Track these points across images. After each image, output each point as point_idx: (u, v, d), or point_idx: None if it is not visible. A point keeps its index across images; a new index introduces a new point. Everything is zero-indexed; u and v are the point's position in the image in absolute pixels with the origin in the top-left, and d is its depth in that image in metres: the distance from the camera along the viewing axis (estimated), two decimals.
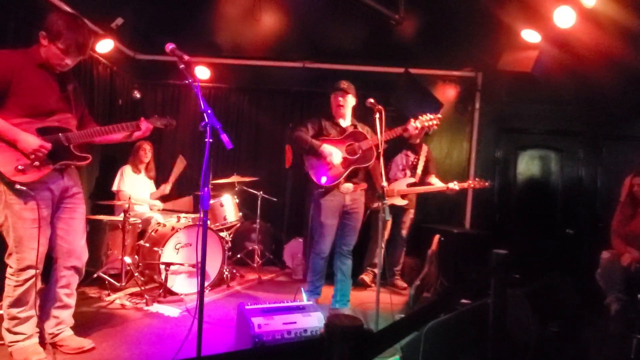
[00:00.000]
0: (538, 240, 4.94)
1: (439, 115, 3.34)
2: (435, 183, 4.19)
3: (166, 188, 4.49)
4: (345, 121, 3.37)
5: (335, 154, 3.17)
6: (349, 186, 3.25)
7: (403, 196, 4.13)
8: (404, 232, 4.32)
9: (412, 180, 4.18)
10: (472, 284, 2.08)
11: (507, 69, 4.46)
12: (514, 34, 4.10)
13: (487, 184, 4.06)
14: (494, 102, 5.18)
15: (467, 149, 5.24)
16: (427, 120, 3.26)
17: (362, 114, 5.41)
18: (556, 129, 5.12)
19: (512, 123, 5.21)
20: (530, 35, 4.06)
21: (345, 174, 3.20)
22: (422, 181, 4.24)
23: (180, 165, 4.47)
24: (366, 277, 4.22)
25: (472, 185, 4.08)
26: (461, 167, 5.18)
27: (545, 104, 5.07)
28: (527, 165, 5.23)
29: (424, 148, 4.29)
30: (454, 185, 4.03)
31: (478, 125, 5.20)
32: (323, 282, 3.41)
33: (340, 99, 3.29)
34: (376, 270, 4.16)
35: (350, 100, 3.33)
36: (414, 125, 3.24)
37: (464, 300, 2.35)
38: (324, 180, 3.19)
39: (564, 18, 3.59)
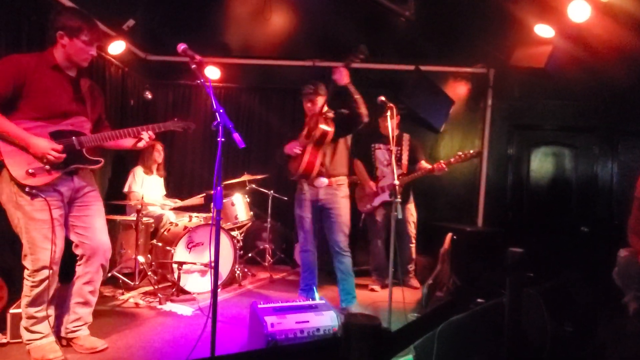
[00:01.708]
0: (552, 239, 4.86)
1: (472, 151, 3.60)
2: (424, 167, 3.99)
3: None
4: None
5: (292, 145, 3.28)
6: (323, 180, 3.25)
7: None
8: (410, 229, 4.22)
9: (400, 171, 4.03)
10: (487, 282, 2.05)
11: (519, 64, 4.39)
12: (526, 29, 4.03)
13: (472, 151, 3.74)
14: (506, 98, 5.11)
15: (479, 146, 5.18)
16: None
17: (373, 111, 5.38)
18: (570, 125, 5.03)
19: (524, 119, 5.14)
20: (543, 30, 3.99)
21: (308, 155, 3.19)
22: (412, 171, 4.09)
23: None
24: (375, 286, 4.11)
25: (459, 158, 3.73)
26: (473, 164, 5.12)
27: (559, 99, 4.99)
28: (541, 162, 5.15)
29: (405, 137, 4.17)
30: (441, 164, 3.77)
31: (490, 122, 5.14)
32: (315, 280, 3.42)
33: (309, 105, 3.32)
34: (382, 274, 4.13)
35: (319, 102, 3.30)
36: (339, 72, 3.08)
37: (478, 300, 2.32)
38: (293, 169, 3.30)
39: (579, 12, 3.53)
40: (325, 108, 3.33)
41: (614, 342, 2.87)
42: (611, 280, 3.36)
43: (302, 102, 3.38)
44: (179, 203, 4.40)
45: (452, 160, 3.78)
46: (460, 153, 3.77)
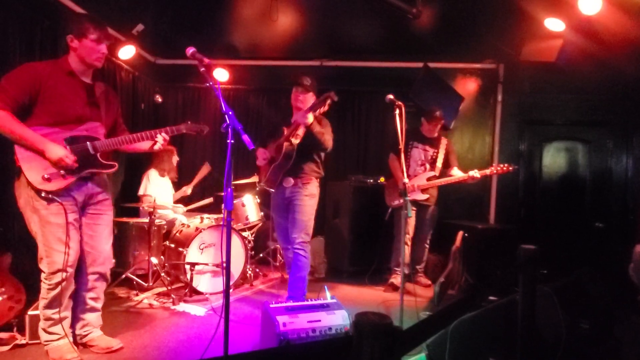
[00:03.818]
0: (566, 235, 4.80)
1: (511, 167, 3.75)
2: (457, 174, 4.05)
3: (187, 190, 4.57)
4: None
5: (261, 155, 3.34)
6: (290, 180, 3.27)
7: (423, 191, 4.06)
8: (427, 230, 4.23)
9: (432, 173, 4.08)
10: (500, 280, 2.04)
11: (530, 59, 4.34)
12: (536, 23, 3.98)
13: (511, 168, 3.83)
14: (516, 93, 5.06)
15: (490, 142, 5.14)
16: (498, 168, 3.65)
17: (382, 109, 5.36)
18: (583, 120, 4.96)
19: (536, 115, 5.07)
20: (553, 24, 3.94)
21: (269, 172, 3.28)
22: (444, 174, 4.13)
23: (204, 170, 4.56)
24: (395, 281, 4.06)
25: (494, 171, 3.85)
26: (484, 161, 5.07)
27: (571, 94, 4.92)
28: (553, 157, 5.08)
29: (443, 141, 4.19)
30: (475, 174, 3.84)
31: (500, 118, 5.09)
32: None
33: (300, 97, 3.27)
34: (405, 270, 4.10)
35: (310, 99, 3.28)
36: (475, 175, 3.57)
37: (491, 297, 2.31)
38: (260, 179, 3.44)
39: (589, 4, 3.47)
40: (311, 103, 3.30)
41: (630, 339, 2.82)
42: (627, 277, 3.30)
43: (292, 92, 3.33)
44: (189, 207, 4.46)
45: (487, 172, 3.84)
46: (498, 167, 3.86)
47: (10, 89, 2.18)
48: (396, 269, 4.15)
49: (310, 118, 3.09)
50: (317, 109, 3.07)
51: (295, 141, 3.16)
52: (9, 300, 2.59)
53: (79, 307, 2.48)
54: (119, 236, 3.84)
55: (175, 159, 4.52)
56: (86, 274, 2.47)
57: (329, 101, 3.07)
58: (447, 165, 4.16)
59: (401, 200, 4.05)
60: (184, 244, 3.65)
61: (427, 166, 4.14)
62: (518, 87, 5.03)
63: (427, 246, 4.29)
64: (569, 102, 4.95)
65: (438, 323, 1.12)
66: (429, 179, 4.05)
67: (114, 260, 2.78)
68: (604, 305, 2.44)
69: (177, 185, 4.68)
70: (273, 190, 3.35)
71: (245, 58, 5.37)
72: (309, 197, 3.26)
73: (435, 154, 4.15)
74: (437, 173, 4.09)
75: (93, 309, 2.52)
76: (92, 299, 2.50)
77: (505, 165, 3.85)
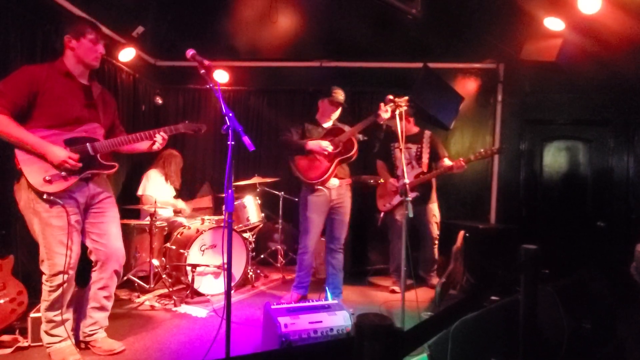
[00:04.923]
0: (568, 234, 4.79)
1: (406, 97, 3.16)
2: (447, 164, 3.91)
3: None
4: (328, 123, 3.54)
5: (323, 143, 3.33)
6: (335, 182, 3.39)
7: (412, 189, 3.92)
8: (432, 229, 4.09)
9: (420, 170, 3.98)
10: (501, 280, 2.04)
11: (530, 58, 4.33)
12: (536, 22, 3.98)
13: (495, 149, 3.76)
14: (516, 93, 5.05)
15: (491, 142, 5.13)
16: (399, 102, 3.06)
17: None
18: (583, 119, 4.95)
19: (536, 114, 5.07)
20: (553, 23, 3.94)
21: (333, 167, 3.35)
22: (435, 169, 4.01)
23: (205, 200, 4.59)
24: (396, 288, 3.97)
25: (479, 156, 3.73)
26: (485, 161, 5.06)
27: (571, 93, 4.91)
28: (554, 157, 5.08)
29: (426, 134, 4.09)
30: (460, 162, 3.73)
31: (501, 118, 5.09)
32: (309, 278, 3.57)
33: (336, 112, 3.47)
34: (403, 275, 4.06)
35: (338, 113, 3.53)
36: (385, 111, 3.19)
37: (492, 297, 2.31)
38: (313, 176, 3.36)
39: (589, 4, 3.47)
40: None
41: (633, 339, 2.82)
42: (629, 276, 3.30)
43: (326, 101, 3.45)
44: (190, 205, 4.46)
45: (472, 157, 3.75)
46: (482, 150, 3.77)
47: (8, 92, 2.19)
48: (395, 273, 4.09)
49: (389, 113, 3.19)
50: (395, 109, 3.06)
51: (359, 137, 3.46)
52: (11, 303, 2.59)
53: (89, 304, 2.49)
54: None
55: (179, 165, 4.54)
56: (100, 271, 2.48)
57: (406, 107, 3.05)
58: (436, 158, 4.05)
59: (392, 203, 4.03)
60: (185, 245, 3.66)
61: (414, 163, 4.04)
62: (518, 87, 5.02)
63: (435, 246, 4.13)
64: (570, 101, 4.94)
65: (439, 324, 1.12)
66: (416, 176, 3.96)
67: None
68: (607, 305, 2.44)
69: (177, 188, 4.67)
70: (321, 189, 3.38)
71: (246, 59, 5.37)
72: (350, 198, 3.52)
73: (419, 149, 4.04)
74: (424, 169, 4.00)
75: (103, 308, 2.53)
76: (106, 297, 2.52)
77: (490, 148, 3.79)
